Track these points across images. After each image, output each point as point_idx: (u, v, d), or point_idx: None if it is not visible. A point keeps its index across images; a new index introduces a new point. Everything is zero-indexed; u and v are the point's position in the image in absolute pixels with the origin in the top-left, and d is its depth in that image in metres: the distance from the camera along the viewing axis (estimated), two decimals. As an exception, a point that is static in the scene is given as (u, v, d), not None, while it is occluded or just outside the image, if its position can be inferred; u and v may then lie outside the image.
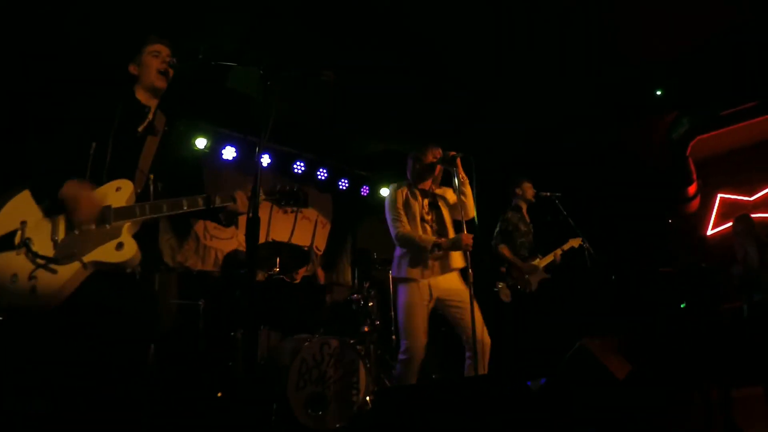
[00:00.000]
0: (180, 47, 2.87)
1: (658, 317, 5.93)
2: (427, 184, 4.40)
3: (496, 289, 5.54)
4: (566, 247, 5.79)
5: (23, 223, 2.20)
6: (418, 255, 4.12)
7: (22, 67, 5.24)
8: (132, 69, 2.78)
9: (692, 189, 7.84)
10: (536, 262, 5.65)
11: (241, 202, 2.67)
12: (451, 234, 4.27)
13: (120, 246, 2.28)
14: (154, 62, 2.74)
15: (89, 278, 2.23)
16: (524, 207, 5.89)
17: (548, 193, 5.83)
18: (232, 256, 6.91)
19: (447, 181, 4.51)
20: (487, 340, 3.98)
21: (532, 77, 6.26)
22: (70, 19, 4.86)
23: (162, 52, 2.77)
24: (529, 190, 5.89)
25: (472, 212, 4.20)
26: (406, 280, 4.13)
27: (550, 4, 5.08)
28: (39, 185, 2.30)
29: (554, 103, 6.78)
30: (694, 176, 7.73)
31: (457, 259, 4.21)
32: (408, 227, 4.19)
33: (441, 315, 4.21)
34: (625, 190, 7.78)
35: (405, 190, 4.33)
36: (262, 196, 2.66)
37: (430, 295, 4.08)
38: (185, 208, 2.51)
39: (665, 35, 5.58)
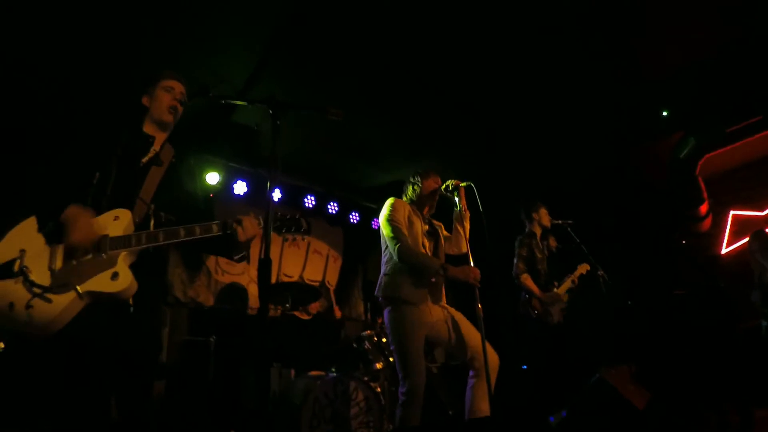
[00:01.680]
0: (191, 82, 2.89)
1: (673, 340, 5.84)
2: (425, 212, 4.14)
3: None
4: (577, 273, 5.70)
5: (22, 251, 2.24)
6: (418, 276, 3.75)
7: (31, 90, 5.32)
8: (145, 100, 2.82)
9: (704, 208, 7.74)
10: (556, 291, 5.53)
11: (246, 224, 2.59)
12: None
13: (115, 276, 2.27)
14: (166, 97, 2.78)
15: (86, 309, 2.23)
16: (539, 233, 5.76)
17: (560, 221, 5.74)
18: (228, 291, 6.91)
19: (441, 214, 4.33)
20: (495, 357, 3.64)
21: (535, 105, 6.26)
22: (85, 47, 4.92)
23: (175, 88, 2.82)
24: (545, 216, 5.79)
25: (466, 247, 3.97)
26: (405, 302, 3.68)
27: (553, 30, 5.09)
28: (44, 208, 2.33)
29: (557, 129, 6.77)
30: (705, 195, 7.64)
31: (443, 295, 3.91)
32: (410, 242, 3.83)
33: (431, 343, 3.82)
34: (634, 213, 7.73)
35: (408, 207, 4.01)
36: (261, 224, 2.63)
37: (429, 322, 3.72)
38: (182, 236, 2.47)
39: (666, 56, 5.56)
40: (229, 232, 2.57)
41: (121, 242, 2.35)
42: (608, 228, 7.35)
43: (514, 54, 5.40)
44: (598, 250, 5.69)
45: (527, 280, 5.43)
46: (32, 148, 5.23)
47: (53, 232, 2.29)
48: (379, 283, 3.91)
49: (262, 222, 2.63)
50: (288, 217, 2.79)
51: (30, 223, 2.33)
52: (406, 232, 3.84)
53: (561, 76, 5.76)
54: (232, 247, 2.67)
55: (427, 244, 3.98)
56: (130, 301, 2.34)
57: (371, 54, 5.29)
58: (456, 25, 4.97)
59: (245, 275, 7.21)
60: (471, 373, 3.68)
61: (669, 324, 6.20)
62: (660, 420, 3.99)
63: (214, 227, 2.55)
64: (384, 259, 3.98)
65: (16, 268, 2.20)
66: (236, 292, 6.99)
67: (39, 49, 4.87)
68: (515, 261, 5.56)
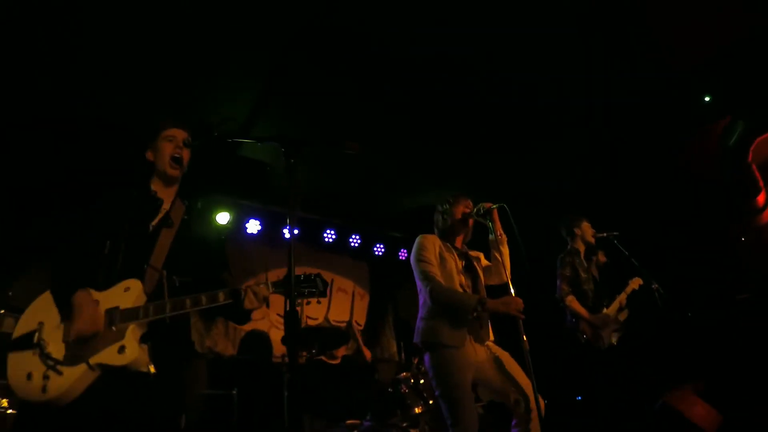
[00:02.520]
0: (194, 123, 2.90)
1: (742, 351, 5.64)
2: (458, 241, 4.04)
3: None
4: (629, 290, 5.53)
5: (41, 324, 2.43)
6: (457, 316, 3.61)
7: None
8: (149, 155, 2.86)
9: (761, 198, 7.48)
10: (606, 311, 5.35)
11: (248, 299, 2.66)
12: None
13: (122, 349, 2.38)
14: (168, 148, 2.81)
15: (100, 378, 2.34)
16: (582, 250, 5.58)
17: (604, 234, 5.58)
18: (249, 338, 6.87)
19: (477, 243, 4.22)
20: (541, 402, 3.44)
21: (565, 104, 6.16)
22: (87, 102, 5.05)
23: (177, 136, 2.84)
24: (588, 230, 5.62)
25: (506, 275, 3.82)
26: (446, 346, 3.56)
27: (589, 20, 5.04)
28: (56, 290, 2.48)
29: (591, 134, 6.68)
30: (761, 183, 7.40)
31: (489, 331, 3.78)
32: (443, 281, 3.70)
33: (475, 383, 3.68)
34: (684, 214, 7.42)
35: (438, 242, 3.91)
36: (270, 289, 2.68)
37: (473, 363, 3.59)
38: (188, 306, 2.56)
39: (703, 37, 5.47)
40: (235, 300, 2.65)
41: (130, 315, 2.45)
42: (657, 234, 7.17)
43: (544, 52, 5.33)
44: (649, 261, 5.53)
45: (573, 302, 5.24)
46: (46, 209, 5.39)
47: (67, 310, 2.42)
48: (417, 327, 3.79)
49: (272, 288, 2.69)
50: (302, 278, 2.81)
51: (48, 296, 2.50)
52: (437, 271, 3.73)
53: (590, 70, 5.69)
54: (240, 314, 2.75)
55: (464, 280, 3.81)
56: (151, 369, 2.42)
57: (379, 71, 5.29)
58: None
59: (265, 320, 7.15)
60: (514, 422, 3.54)
61: (735, 333, 5.99)
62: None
63: (221, 296, 2.61)
64: (420, 302, 3.86)
65: (35, 339, 2.39)
66: (257, 339, 6.94)
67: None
68: (558, 282, 5.35)
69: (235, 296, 2.63)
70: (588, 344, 5.15)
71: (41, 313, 2.46)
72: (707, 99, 6.46)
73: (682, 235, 7.39)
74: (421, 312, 3.80)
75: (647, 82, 5.94)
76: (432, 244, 3.87)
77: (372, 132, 6.11)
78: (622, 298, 5.42)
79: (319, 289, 2.81)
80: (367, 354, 6.55)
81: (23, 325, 2.45)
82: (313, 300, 2.82)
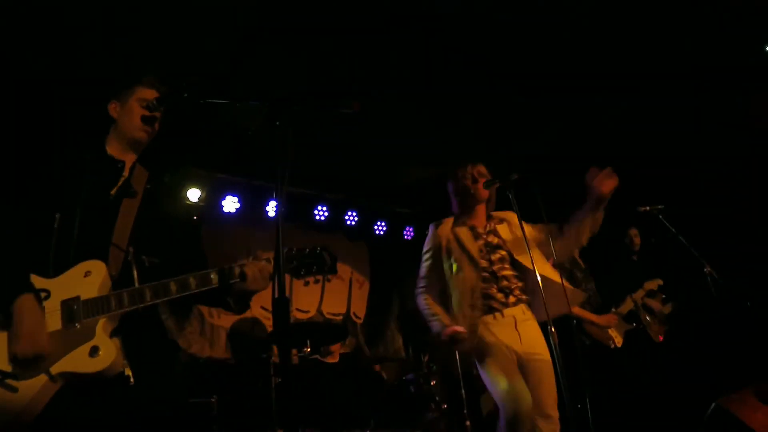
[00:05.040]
0: (161, 79, 2.85)
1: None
2: (480, 216, 4.20)
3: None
4: (642, 293, 5.77)
5: None
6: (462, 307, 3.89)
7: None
8: (112, 109, 2.82)
9: None
10: (615, 311, 5.62)
11: (253, 276, 2.58)
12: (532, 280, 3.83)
13: (94, 351, 2.25)
14: (141, 111, 2.76)
15: (64, 388, 2.21)
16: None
17: (647, 207, 5.69)
18: (237, 331, 6.97)
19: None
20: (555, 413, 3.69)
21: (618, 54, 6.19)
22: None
23: (151, 99, 2.78)
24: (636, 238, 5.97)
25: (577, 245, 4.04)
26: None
27: None
28: None
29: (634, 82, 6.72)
30: None
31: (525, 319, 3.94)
32: (428, 294, 4.11)
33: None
34: (749, 182, 7.47)
35: (448, 229, 4.14)
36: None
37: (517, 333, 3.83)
38: (174, 292, 2.46)
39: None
40: (231, 282, 2.57)
41: (98, 306, 2.33)
42: (713, 209, 7.21)
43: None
44: (703, 240, 5.62)
45: None
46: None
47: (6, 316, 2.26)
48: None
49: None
50: (307, 251, 2.73)
51: None
52: (432, 272, 4.09)
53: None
54: (235, 299, 2.69)
55: (485, 266, 3.97)
56: (128, 372, 2.33)
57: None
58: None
59: (247, 315, 7.18)
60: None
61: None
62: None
63: (213, 277, 2.54)
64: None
65: None
66: (240, 337, 7.03)
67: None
68: None
69: (231, 276, 2.55)
70: (595, 346, 5.38)
71: None
72: None
73: (745, 209, 7.42)
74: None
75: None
76: (439, 231, 4.12)
77: (373, 86, 6.10)
78: (638, 296, 5.62)
79: (328, 264, 2.74)
80: (367, 352, 6.65)
81: None
82: (304, 288, 2.80)
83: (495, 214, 4.24)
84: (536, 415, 3.60)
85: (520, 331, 3.83)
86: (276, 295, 2.14)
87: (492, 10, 5.28)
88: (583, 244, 3.99)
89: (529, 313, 3.90)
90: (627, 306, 5.62)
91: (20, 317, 2.21)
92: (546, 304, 3.52)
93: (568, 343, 4.47)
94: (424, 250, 4.19)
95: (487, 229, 4.12)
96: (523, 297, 3.92)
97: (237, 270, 2.57)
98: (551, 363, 3.74)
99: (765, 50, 6.49)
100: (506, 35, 5.62)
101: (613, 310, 5.56)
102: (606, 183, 3.65)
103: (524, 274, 3.96)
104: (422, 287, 4.12)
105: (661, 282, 5.75)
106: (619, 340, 5.50)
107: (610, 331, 5.47)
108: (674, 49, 6.13)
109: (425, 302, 4.05)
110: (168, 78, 2.87)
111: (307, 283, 2.89)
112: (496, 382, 3.67)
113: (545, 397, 3.67)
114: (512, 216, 4.10)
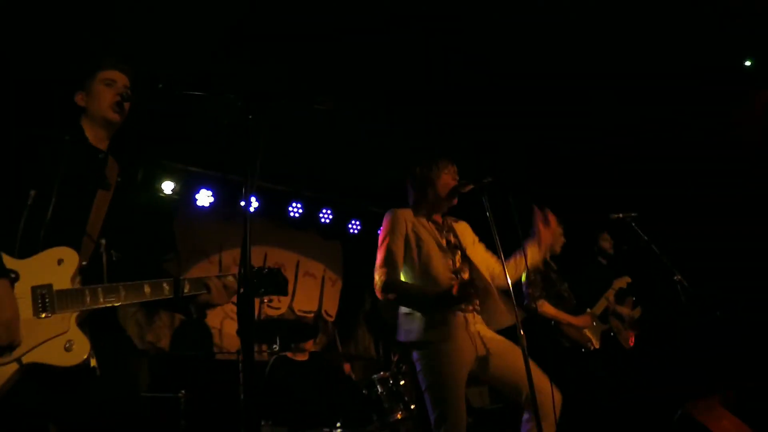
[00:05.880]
0: (137, 73, 2.83)
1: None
2: (438, 217, 4.08)
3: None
4: (612, 292, 5.83)
5: None
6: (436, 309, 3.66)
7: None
8: (79, 99, 2.75)
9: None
10: (590, 311, 5.68)
11: (217, 292, 2.61)
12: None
13: (69, 345, 2.21)
14: (108, 93, 2.70)
15: (25, 376, 2.17)
16: None
17: (620, 215, 5.73)
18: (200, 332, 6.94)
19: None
20: (558, 395, 3.52)
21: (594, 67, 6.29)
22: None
23: (118, 81, 2.74)
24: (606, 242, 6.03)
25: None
26: (434, 342, 3.62)
27: None
28: None
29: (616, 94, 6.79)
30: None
31: (498, 311, 3.77)
32: (398, 274, 3.82)
33: (473, 377, 3.72)
34: (724, 191, 7.50)
35: (411, 217, 3.99)
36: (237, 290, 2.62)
37: (470, 358, 3.63)
38: (148, 295, 2.46)
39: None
40: (200, 293, 2.61)
41: (72, 299, 2.29)
42: (685, 217, 7.28)
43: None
44: (674, 248, 5.67)
45: (544, 305, 5.43)
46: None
47: None
48: (398, 324, 3.85)
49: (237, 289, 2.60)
50: (265, 271, 2.77)
51: None
52: (397, 259, 3.82)
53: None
54: (196, 308, 2.68)
55: (449, 260, 3.86)
56: (93, 363, 2.28)
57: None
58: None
59: (218, 310, 7.17)
60: (526, 416, 3.60)
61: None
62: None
63: (186, 285, 2.55)
64: None
65: None
66: (208, 332, 7.02)
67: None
68: (524, 289, 5.44)
69: (199, 289, 2.59)
70: (574, 348, 5.43)
71: None
72: (748, 63, 6.61)
73: (721, 217, 7.43)
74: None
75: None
76: (399, 222, 3.94)
77: (349, 85, 6.14)
78: (609, 294, 5.70)
79: (282, 284, 2.80)
80: (340, 349, 6.64)
81: None
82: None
83: (447, 217, 4.15)
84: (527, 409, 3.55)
85: (480, 330, 3.73)
86: (241, 290, 2.14)
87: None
88: (519, 276, 3.97)
89: (479, 319, 3.77)
90: (601, 305, 5.69)
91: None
92: (497, 313, 3.56)
93: (540, 347, 4.52)
94: (384, 235, 3.95)
95: (445, 228, 4.04)
96: (477, 305, 3.79)
97: (188, 286, 2.57)
98: (516, 346, 3.59)
99: (744, 64, 6.59)
100: (481, 38, 5.67)
101: (588, 310, 5.60)
102: (548, 235, 3.69)
103: (479, 280, 3.83)
104: (385, 273, 3.79)
105: (629, 280, 5.83)
106: (596, 342, 5.54)
107: (586, 331, 5.50)
108: (655, 60, 6.23)
109: (398, 284, 3.77)
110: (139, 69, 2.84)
111: (269, 299, 2.91)
112: (436, 407, 3.56)
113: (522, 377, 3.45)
114: (465, 225, 4.15)
